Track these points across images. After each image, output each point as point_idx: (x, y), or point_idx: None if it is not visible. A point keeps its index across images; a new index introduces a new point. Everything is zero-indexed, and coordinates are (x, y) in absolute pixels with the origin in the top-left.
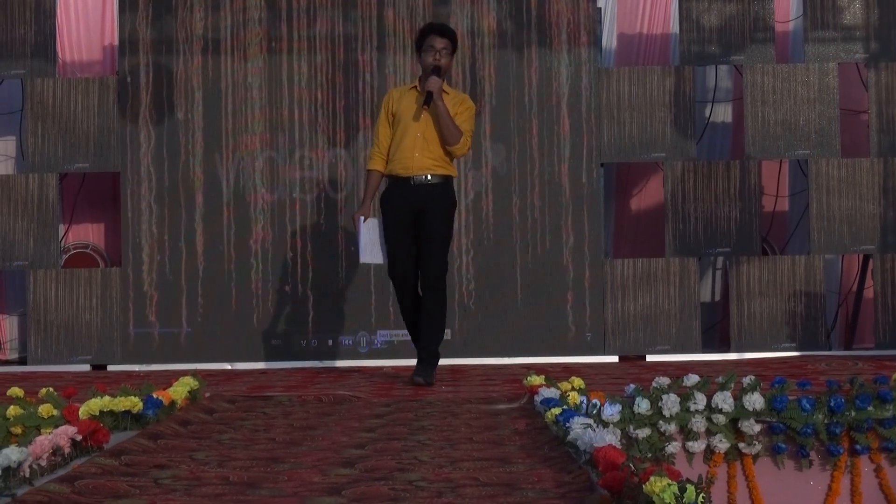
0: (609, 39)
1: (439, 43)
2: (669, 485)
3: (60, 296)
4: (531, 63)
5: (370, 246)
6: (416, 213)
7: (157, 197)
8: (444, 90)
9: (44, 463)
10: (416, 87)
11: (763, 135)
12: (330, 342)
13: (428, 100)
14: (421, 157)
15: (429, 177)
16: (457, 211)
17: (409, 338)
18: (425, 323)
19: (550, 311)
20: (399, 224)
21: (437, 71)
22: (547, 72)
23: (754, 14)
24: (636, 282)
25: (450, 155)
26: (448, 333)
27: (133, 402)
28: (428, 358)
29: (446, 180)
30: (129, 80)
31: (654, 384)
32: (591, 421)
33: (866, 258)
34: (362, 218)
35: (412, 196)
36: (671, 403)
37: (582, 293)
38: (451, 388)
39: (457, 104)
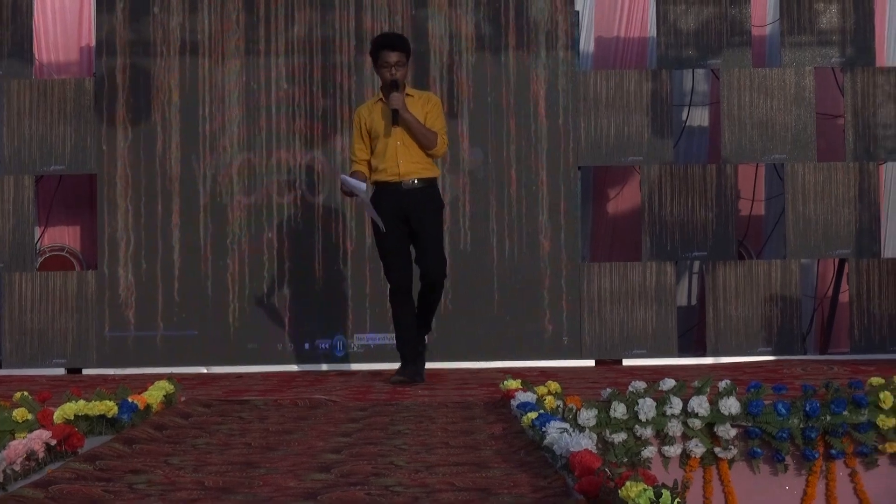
0: (587, 43)
1: (392, 57)
2: (645, 489)
3: (36, 299)
4: (508, 66)
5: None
6: (407, 218)
7: (134, 199)
8: (407, 93)
9: (17, 468)
10: (381, 100)
11: (740, 139)
12: (306, 346)
13: (395, 118)
14: (405, 164)
15: (416, 181)
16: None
17: (385, 342)
18: (424, 311)
19: (527, 315)
20: (392, 231)
21: (395, 85)
22: (524, 75)
23: (731, 18)
24: (613, 286)
25: (431, 157)
26: (425, 338)
27: (108, 407)
28: (414, 354)
29: (432, 182)
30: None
31: (630, 388)
32: (567, 425)
33: (842, 262)
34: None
35: (402, 200)
36: (647, 408)
37: (559, 297)
38: (428, 392)
39: (423, 104)
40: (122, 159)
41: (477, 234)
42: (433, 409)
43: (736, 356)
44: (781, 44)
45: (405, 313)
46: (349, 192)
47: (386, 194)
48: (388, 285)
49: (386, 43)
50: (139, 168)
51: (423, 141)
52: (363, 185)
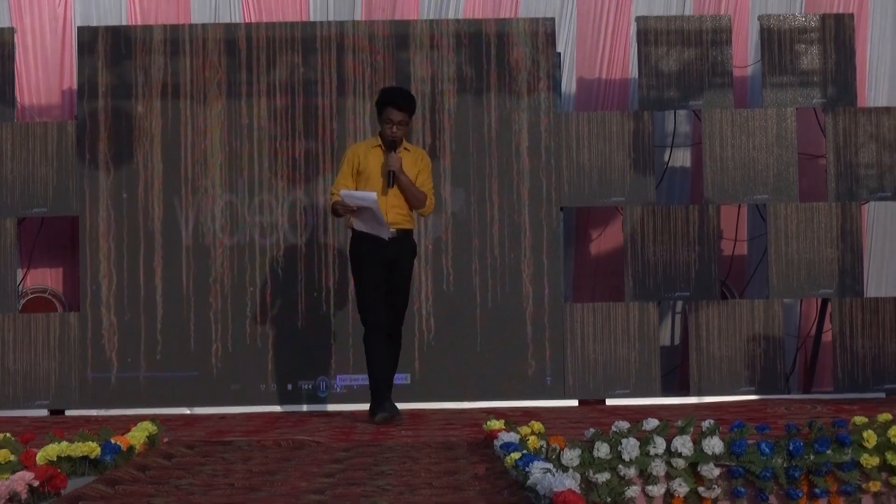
0: (568, 84)
1: (396, 116)
2: None
3: (18, 340)
4: (490, 108)
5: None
6: (387, 264)
7: (116, 241)
8: (404, 147)
9: None
10: (379, 145)
11: (722, 179)
12: (289, 386)
13: (391, 179)
14: (392, 215)
15: (397, 231)
16: (416, 255)
17: (367, 382)
18: (389, 363)
19: (510, 355)
20: (371, 272)
21: (394, 146)
22: (507, 116)
23: (712, 59)
24: (596, 326)
25: (419, 214)
26: (407, 378)
27: (91, 448)
28: (389, 392)
29: (409, 233)
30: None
31: (613, 428)
32: (550, 465)
33: (825, 302)
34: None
35: (384, 249)
36: (631, 447)
37: (542, 337)
38: (411, 433)
39: (416, 161)
40: (104, 201)
41: (460, 274)
42: (416, 450)
43: (719, 395)
44: (763, 84)
45: (380, 352)
46: (350, 208)
47: (368, 242)
48: (365, 324)
49: (392, 100)
50: (121, 210)
51: (414, 201)
52: (373, 195)
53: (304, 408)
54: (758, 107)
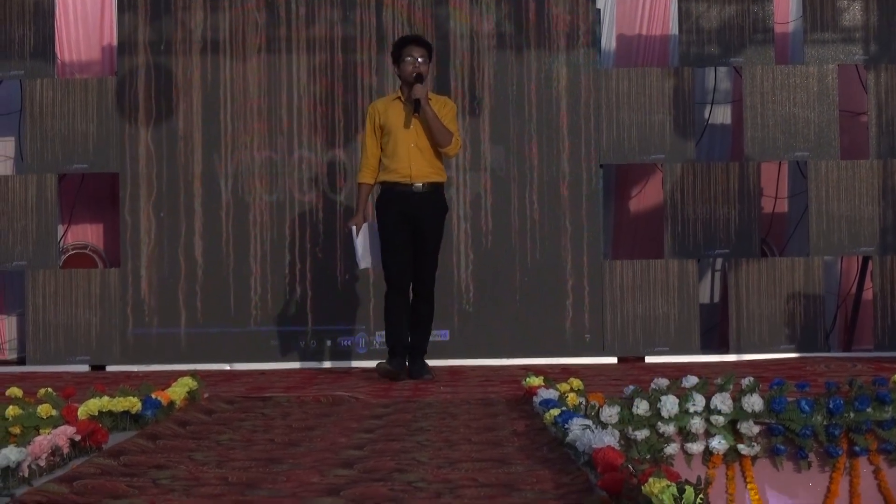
0: (608, 41)
1: (417, 52)
2: (668, 486)
3: (59, 296)
4: (530, 65)
5: (366, 252)
6: (412, 219)
7: (156, 198)
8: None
9: (42, 463)
10: (399, 98)
11: (762, 136)
12: (328, 343)
13: (417, 107)
14: (417, 167)
15: (425, 185)
16: (455, 213)
17: None
18: (418, 326)
19: (549, 313)
20: (397, 230)
21: (420, 78)
22: (546, 73)
23: (753, 15)
24: (635, 283)
25: (442, 157)
26: (447, 335)
27: (132, 403)
28: (421, 356)
29: (440, 187)
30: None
31: (652, 385)
32: (589, 422)
33: (865, 260)
34: (354, 228)
35: (410, 203)
36: (670, 405)
37: (581, 294)
38: (450, 389)
39: (440, 107)
40: (144, 158)
41: (499, 232)
42: (455, 406)
43: (759, 353)
44: (804, 41)
45: (398, 308)
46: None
47: (394, 196)
48: (387, 283)
49: (410, 39)
50: (161, 166)
51: (439, 137)
52: (363, 261)
53: (343, 364)
54: (799, 63)
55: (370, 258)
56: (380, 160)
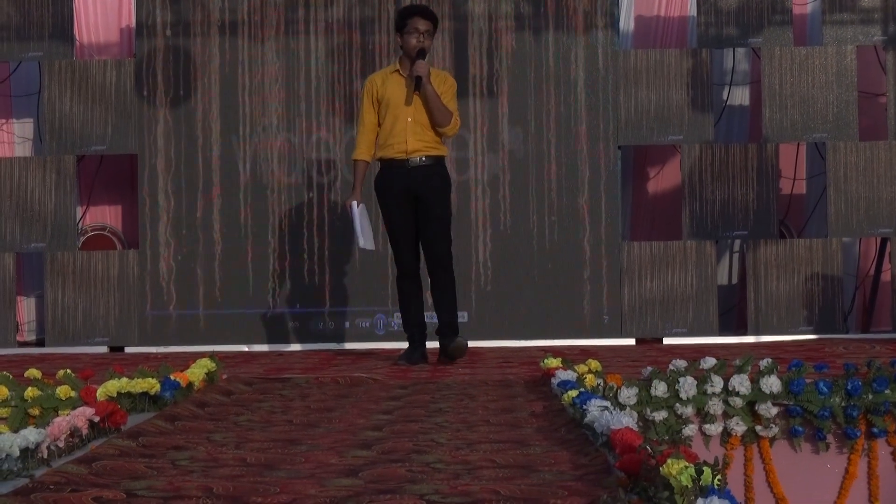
0: (626, 22)
1: (423, 25)
2: (687, 467)
3: (78, 278)
4: (548, 46)
5: (366, 232)
6: (413, 196)
7: (174, 179)
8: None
9: (61, 444)
10: (398, 71)
11: (781, 118)
12: (347, 324)
13: (418, 84)
14: (415, 141)
15: (423, 158)
16: (473, 194)
17: (427, 320)
18: (440, 300)
19: (567, 294)
20: (399, 208)
21: (422, 54)
22: (564, 54)
23: None
24: (653, 264)
25: (441, 136)
26: (465, 316)
27: (150, 384)
28: (451, 334)
29: (440, 160)
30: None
31: (670, 367)
32: (607, 403)
33: (884, 241)
34: (355, 203)
35: (409, 178)
36: (688, 386)
37: (599, 276)
38: (468, 371)
39: (440, 83)
40: (163, 139)
41: (517, 213)
42: (474, 388)
43: (777, 335)
44: (823, 22)
45: (411, 294)
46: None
47: (392, 173)
48: (397, 266)
49: (416, 10)
50: (180, 148)
51: (438, 116)
52: (365, 242)
53: (362, 345)
54: (817, 44)
55: (371, 240)
56: (375, 140)
